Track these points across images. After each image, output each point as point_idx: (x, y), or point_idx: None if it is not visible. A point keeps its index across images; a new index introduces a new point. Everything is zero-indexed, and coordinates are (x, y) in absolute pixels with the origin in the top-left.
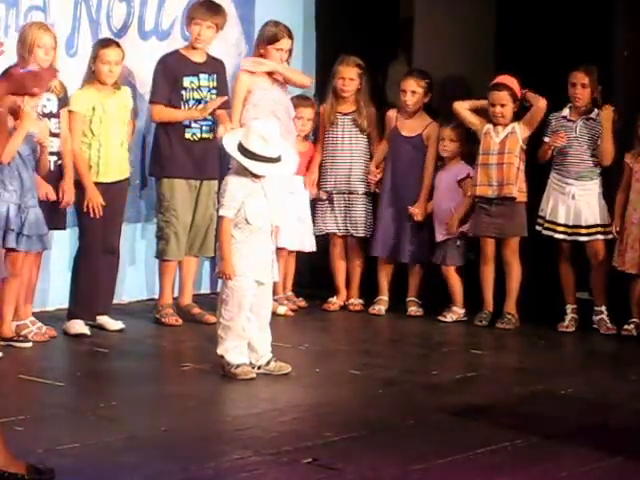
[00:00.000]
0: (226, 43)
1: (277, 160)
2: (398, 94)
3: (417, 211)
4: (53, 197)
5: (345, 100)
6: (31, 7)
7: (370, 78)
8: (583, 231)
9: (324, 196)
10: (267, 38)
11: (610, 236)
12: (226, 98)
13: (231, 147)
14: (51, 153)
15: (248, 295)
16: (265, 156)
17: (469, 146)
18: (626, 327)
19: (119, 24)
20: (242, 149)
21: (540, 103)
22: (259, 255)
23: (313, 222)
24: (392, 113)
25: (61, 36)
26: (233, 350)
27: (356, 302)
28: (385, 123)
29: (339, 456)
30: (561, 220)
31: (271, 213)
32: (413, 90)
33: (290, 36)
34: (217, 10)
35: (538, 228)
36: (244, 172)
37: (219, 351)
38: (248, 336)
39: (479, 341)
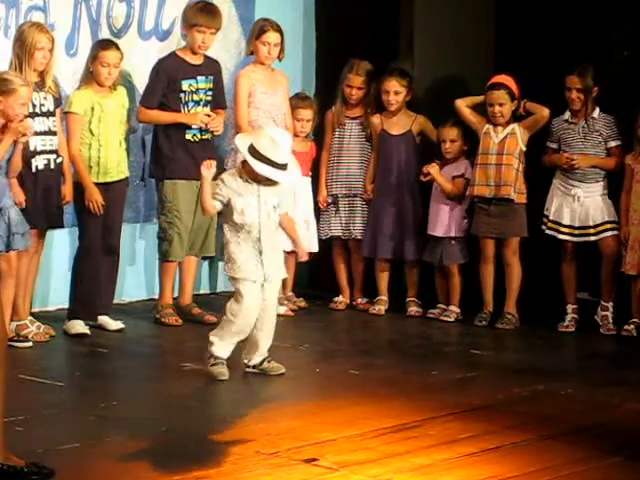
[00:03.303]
0: (226, 43)
1: (281, 167)
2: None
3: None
4: (21, 204)
5: (353, 105)
6: (31, 7)
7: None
8: (592, 231)
9: (329, 199)
10: (254, 32)
11: (618, 232)
12: (220, 130)
13: (243, 147)
14: (50, 151)
15: (249, 284)
16: (271, 159)
17: (472, 144)
18: (626, 327)
19: (119, 24)
20: (252, 150)
21: (544, 112)
22: (246, 255)
23: (317, 225)
24: (376, 118)
25: (61, 36)
26: (221, 343)
27: (363, 300)
28: (371, 129)
29: (339, 456)
30: (566, 221)
31: (264, 214)
32: (396, 90)
33: (278, 30)
34: (217, 14)
35: (542, 227)
36: (241, 173)
37: (211, 335)
38: (248, 330)
39: (479, 341)
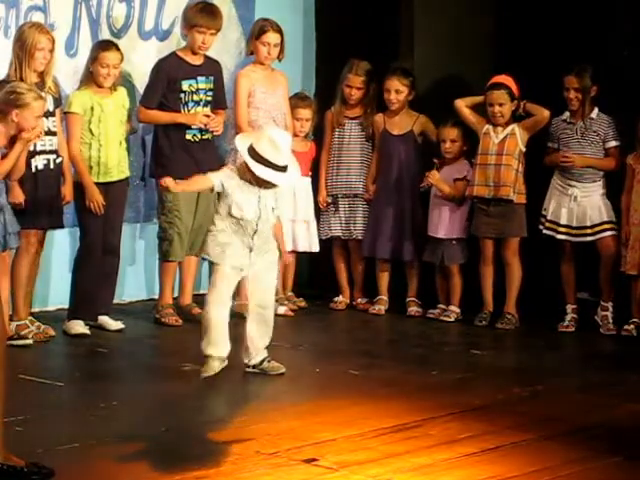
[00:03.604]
0: (226, 43)
1: (281, 169)
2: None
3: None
4: (22, 204)
5: (352, 105)
6: (31, 7)
7: (377, 84)
8: (589, 231)
9: (329, 200)
10: (254, 33)
11: (616, 232)
12: (220, 130)
13: (242, 148)
14: (50, 152)
15: (225, 280)
16: (271, 162)
17: (472, 144)
18: (626, 327)
19: (119, 24)
20: (252, 152)
21: (544, 114)
22: (236, 245)
23: (318, 225)
24: (379, 117)
25: (61, 36)
26: (207, 341)
27: (363, 300)
28: (373, 128)
29: (339, 456)
30: (563, 221)
31: (264, 214)
32: (397, 89)
33: (278, 31)
34: (218, 14)
35: (540, 227)
36: (244, 174)
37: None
38: (223, 327)
39: (479, 341)
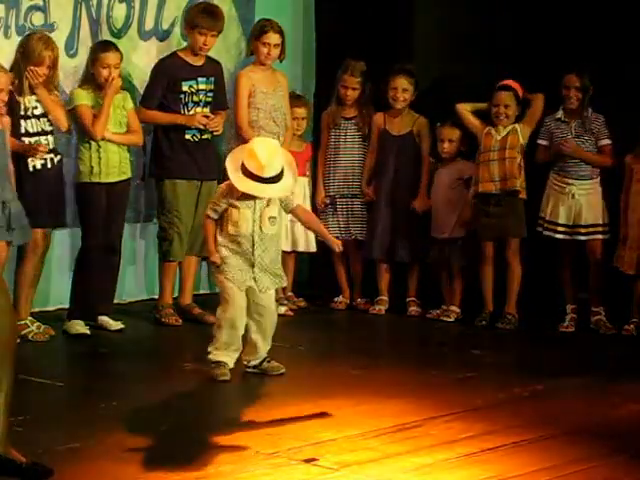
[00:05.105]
0: (226, 43)
1: (270, 181)
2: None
3: (418, 204)
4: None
5: (348, 105)
6: (31, 7)
7: (374, 85)
8: (583, 230)
9: (327, 200)
10: (255, 33)
11: (608, 236)
12: (219, 130)
13: (230, 168)
14: (47, 151)
15: (235, 289)
16: (259, 176)
17: (468, 145)
18: (626, 327)
19: (119, 24)
20: (243, 168)
21: (539, 100)
22: (238, 262)
23: None
24: (379, 117)
25: (61, 36)
26: (217, 348)
27: (362, 301)
28: (372, 127)
29: (339, 456)
30: (562, 220)
31: (257, 227)
32: (404, 88)
33: (278, 31)
34: (219, 16)
35: (539, 229)
36: (236, 190)
37: (209, 347)
38: (238, 335)
39: (479, 341)
